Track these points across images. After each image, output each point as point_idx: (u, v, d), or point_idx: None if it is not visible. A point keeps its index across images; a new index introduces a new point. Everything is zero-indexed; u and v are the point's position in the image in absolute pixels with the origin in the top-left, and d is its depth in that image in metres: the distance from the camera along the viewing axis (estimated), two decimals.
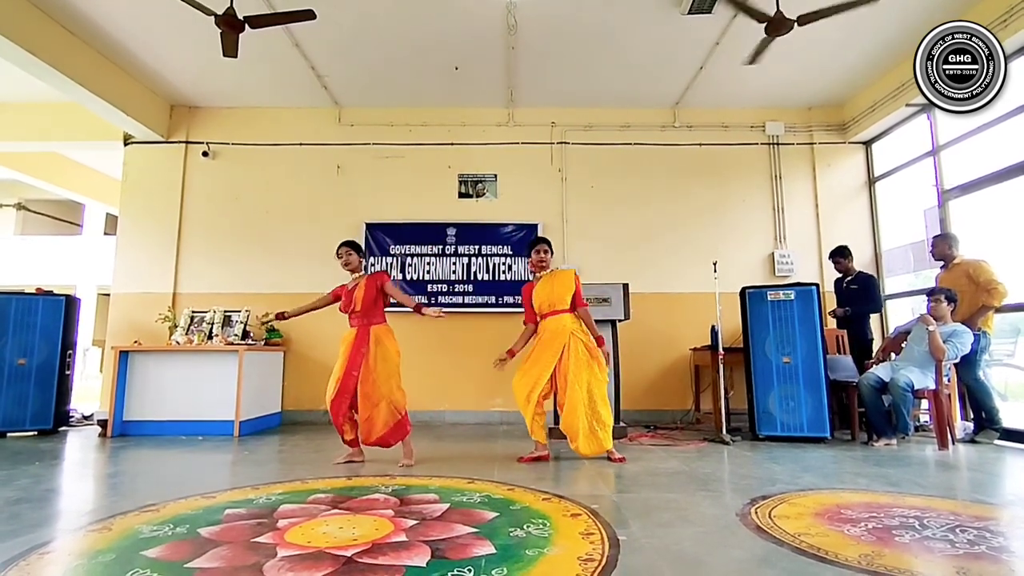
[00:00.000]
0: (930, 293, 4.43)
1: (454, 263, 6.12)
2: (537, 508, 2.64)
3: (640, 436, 4.88)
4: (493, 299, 6.06)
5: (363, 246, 6.04)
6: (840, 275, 5.47)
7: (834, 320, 5.41)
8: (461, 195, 6.32)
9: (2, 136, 6.39)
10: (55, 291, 5.58)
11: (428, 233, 6.17)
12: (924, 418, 4.95)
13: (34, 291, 5.43)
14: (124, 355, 5.17)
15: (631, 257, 6.13)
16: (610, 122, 6.40)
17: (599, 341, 3.80)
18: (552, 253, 4.04)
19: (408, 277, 6.08)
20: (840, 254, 5.41)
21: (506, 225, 6.19)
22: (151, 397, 5.14)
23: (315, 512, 2.58)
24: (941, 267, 4.75)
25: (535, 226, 6.16)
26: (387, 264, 6.11)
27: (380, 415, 3.63)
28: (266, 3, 4.43)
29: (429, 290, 6.06)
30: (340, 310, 3.88)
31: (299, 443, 4.66)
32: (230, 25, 4.05)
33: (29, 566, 1.95)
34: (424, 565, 1.92)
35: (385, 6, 4.65)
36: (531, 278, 4.14)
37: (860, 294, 5.24)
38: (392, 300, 3.85)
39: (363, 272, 3.97)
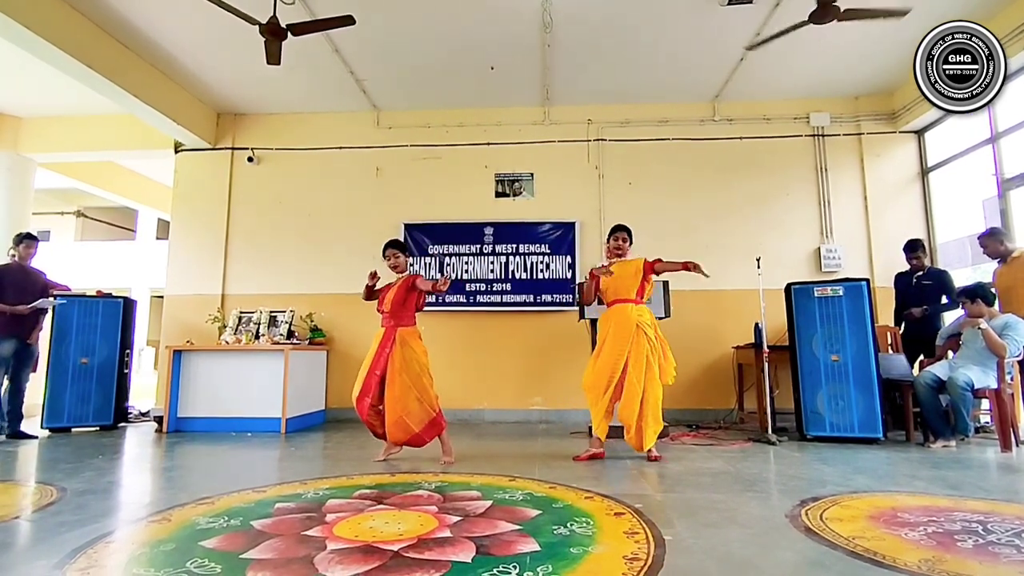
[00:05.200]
0: (956, 296, 4.37)
1: (492, 262, 6.15)
2: (580, 506, 2.63)
3: (682, 435, 4.81)
4: (531, 298, 6.07)
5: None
6: (908, 270, 5.12)
7: (892, 319, 5.19)
8: (498, 194, 6.35)
9: (63, 147, 6.74)
10: (113, 293, 5.86)
11: (466, 233, 6.22)
12: (985, 419, 4.72)
13: (95, 294, 5.71)
14: (177, 354, 5.38)
15: (671, 254, 5.94)
16: (647, 118, 6.32)
17: (686, 266, 3.72)
18: (631, 242, 3.99)
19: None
20: (920, 248, 5.04)
21: (543, 224, 6.18)
22: (203, 395, 5.34)
23: (361, 507, 2.63)
24: (999, 262, 4.51)
25: (572, 224, 6.14)
26: (425, 264, 6.18)
27: (413, 415, 3.63)
28: (307, 11, 4.55)
29: (467, 289, 6.11)
30: (377, 307, 3.94)
31: (343, 440, 4.76)
32: (274, 33, 4.17)
33: (96, 554, 2.05)
34: (469, 561, 1.94)
35: (421, 9, 4.70)
36: (603, 263, 4.04)
37: (935, 289, 4.91)
38: (425, 298, 3.90)
39: (406, 273, 3.99)
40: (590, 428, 4.83)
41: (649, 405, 3.69)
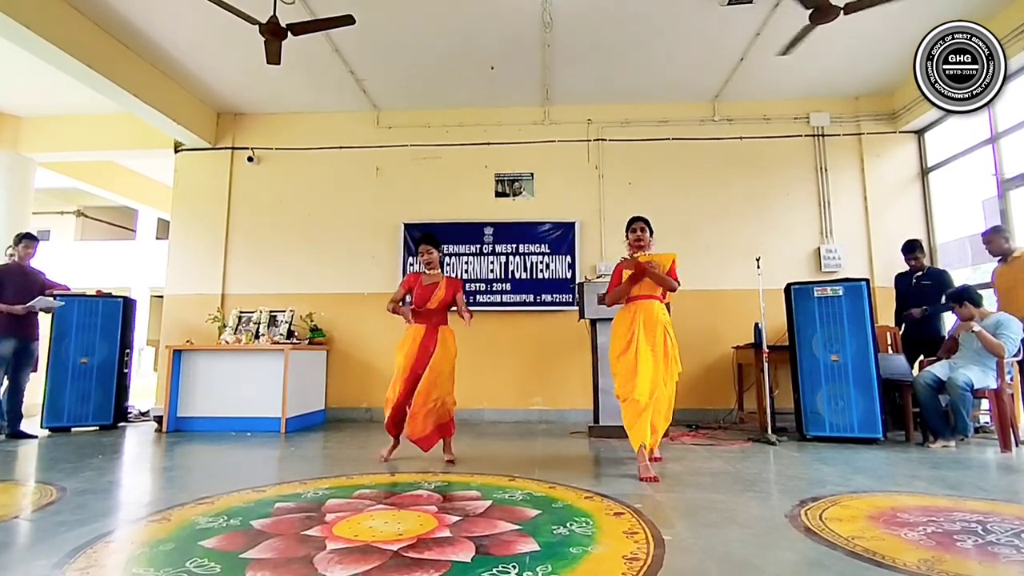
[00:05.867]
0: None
1: (492, 262, 6.15)
2: (579, 506, 2.63)
3: (682, 435, 4.81)
4: (531, 298, 6.07)
5: (401, 246, 6.16)
6: (908, 270, 5.11)
7: (893, 319, 5.19)
8: (498, 194, 6.35)
9: (63, 147, 6.74)
10: (113, 293, 5.86)
11: (466, 233, 6.22)
12: (985, 419, 4.72)
13: (94, 293, 5.71)
14: (177, 354, 5.38)
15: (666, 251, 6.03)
16: (647, 118, 6.32)
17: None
18: (652, 232, 3.72)
19: None
20: (919, 248, 5.04)
21: (543, 223, 6.18)
22: (202, 394, 5.34)
23: (361, 507, 2.63)
24: (999, 261, 4.50)
25: (572, 224, 6.14)
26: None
27: (432, 413, 3.63)
28: (307, 10, 4.55)
29: (467, 289, 6.10)
30: (414, 304, 3.83)
31: (343, 440, 4.76)
32: (273, 33, 4.17)
33: (96, 553, 2.05)
34: (469, 561, 1.94)
35: (421, 9, 4.70)
36: (625, 257, 3.77)
37: (934, 290, 4.89)
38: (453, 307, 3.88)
39: (440, 271, 3.96)
40: (590, 428, 4.86)
41: (664, 413, 3.52)
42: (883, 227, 5.95)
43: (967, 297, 4.17)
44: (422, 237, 4.00)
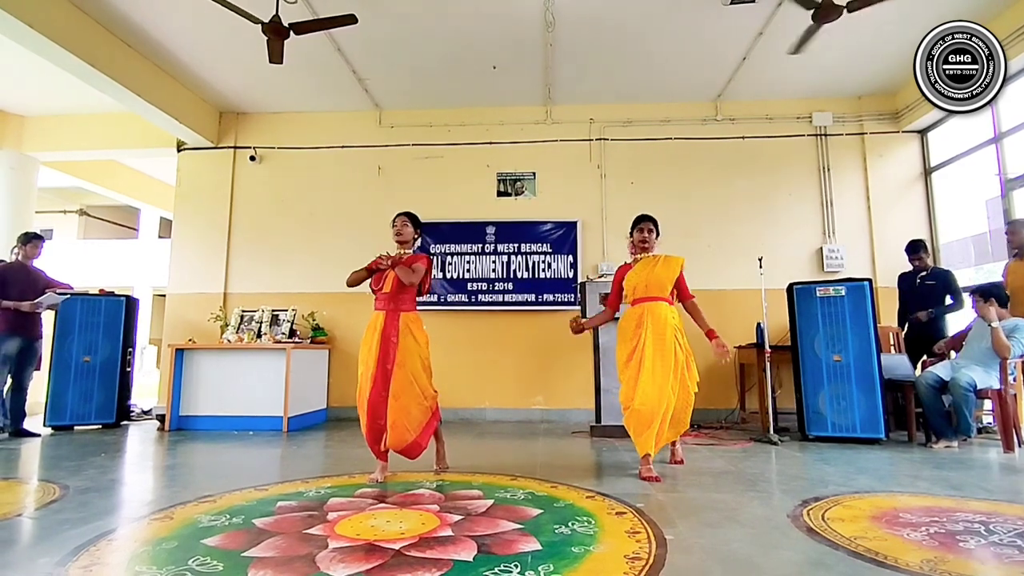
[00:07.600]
0: (971, 293, 4.28)
1: (494, 261, 6.15)
2: (581, 505, 2.63)
3: (684, 435, 4.79)
4: (533, 297, 6.06)
5: None
6: (912, 270, 5.06)
7: (896, 320, 5.18)
8: (500, 194, 6.34)
9: (66, 146, 6.76)
10: (115, 292, 5.87)
11: (468, 232, 6.22)
12: (987, 419, 4.71)
13: (97, 292, 5.72)
14: (180, 353, 5.39)
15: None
16: (650, 117, 6.31)
17: (711, 335, 3.42)
18: (658, 234, 3.58)
19: (448, 276, 6.15)
20: (923, 249, 4.99)
21: (545, 223, 6.18)
22: (205, 393, 5.36)
23: (363, 506, 2.64)
24: (1013, 256, 4.47)
25: (574, 224, 6.14)
26: None
27: (412, 417, 3.14)
28: (310, 10, 4.55)
29: (469, 288, 6.11)
30: (371, 287, 3.36)
31: (345, 439, 4.77)
32: (276, 32, 4.18)
33: (99, 551, 2.06)
34: (471, 560, 1.94)
35: (423, 8, 4.70)
36: (628, 260, 3.66)
37: (939, 290, 4.83)
38: (429, 282, 3.42)
39: (409, 252, 3.47)
40: (592, 427, 4.86)
41: (681, 424, 3.42)
42: (886, 227, 5.94)
43: (995, 295, 4.12)
44: (400, 212, 3.54)
